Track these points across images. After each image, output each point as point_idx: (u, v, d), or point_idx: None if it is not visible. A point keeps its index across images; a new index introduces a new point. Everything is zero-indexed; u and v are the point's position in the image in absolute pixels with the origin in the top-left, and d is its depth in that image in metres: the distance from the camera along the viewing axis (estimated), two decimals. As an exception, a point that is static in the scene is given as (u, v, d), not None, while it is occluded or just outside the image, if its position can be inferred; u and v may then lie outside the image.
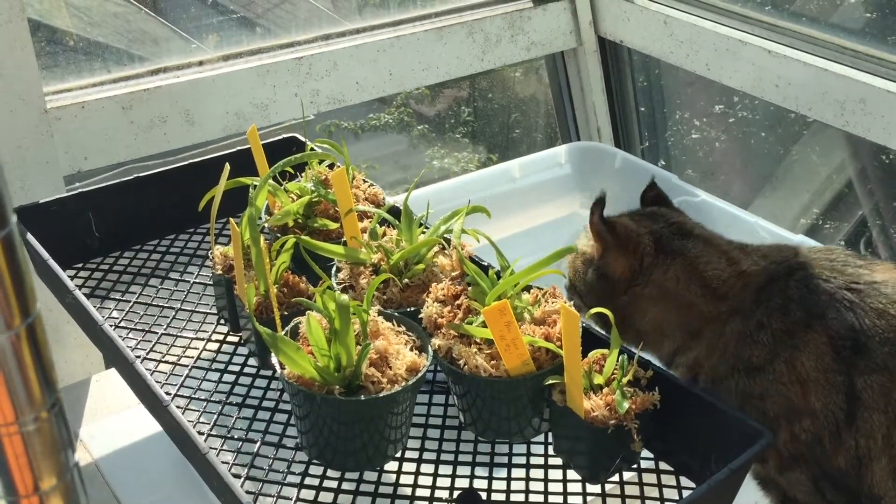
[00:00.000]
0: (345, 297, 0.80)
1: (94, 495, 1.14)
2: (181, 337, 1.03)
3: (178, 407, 0.85)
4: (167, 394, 0.86)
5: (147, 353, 0.99)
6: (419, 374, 0.81)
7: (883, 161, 2.00)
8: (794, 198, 2.30)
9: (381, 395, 0.78)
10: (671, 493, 0.82)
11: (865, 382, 0.80)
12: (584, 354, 0.82)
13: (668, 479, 0.83)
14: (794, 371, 0.82)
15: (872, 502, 0.82)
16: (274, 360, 0.81)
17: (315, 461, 0.85)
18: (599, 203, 0.96)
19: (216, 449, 0.84)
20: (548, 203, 1.61)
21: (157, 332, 1.03)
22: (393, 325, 0.87)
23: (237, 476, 0.82)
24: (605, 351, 0.83)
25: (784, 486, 0.88)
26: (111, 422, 1.23)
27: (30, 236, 1.03)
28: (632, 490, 0.82)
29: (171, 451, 1.17)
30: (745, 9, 1.62)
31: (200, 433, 0.84)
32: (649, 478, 0.84)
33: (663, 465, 0.85)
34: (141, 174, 1.19)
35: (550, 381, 0.80)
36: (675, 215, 0.99)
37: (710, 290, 0.90)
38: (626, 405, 0.78)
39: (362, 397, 0.78)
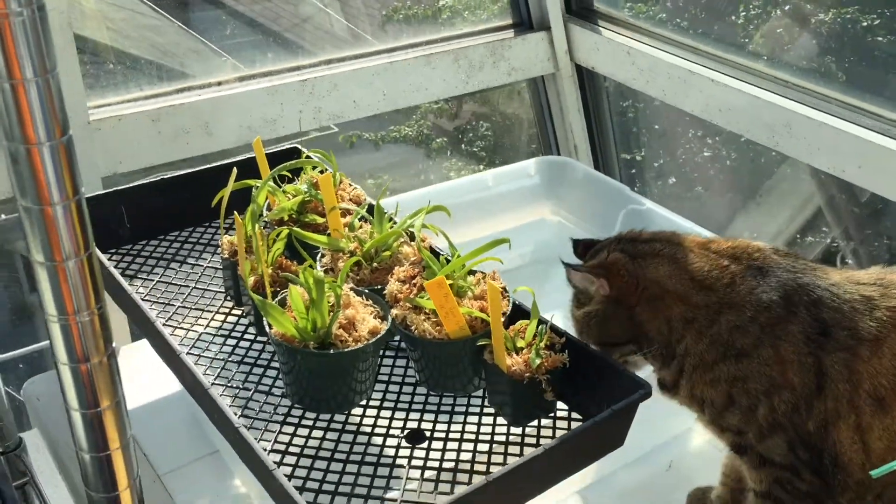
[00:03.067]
0: (321, 273, 0.99)
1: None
2: (194, 309, 1.22)
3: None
4: (181, 351, 1.05)
5: (166, 321, 1.18)
6: (378, 336, 0.99)
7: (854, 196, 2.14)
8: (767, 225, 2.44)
9: (345, 350, 0.97)
10: (578, 436, 0.99)
11: (832, 360, 0.97)
12: (514, 324, 1.01)
13: (578, 426, 1.01)
14: (777, 355, 0.98)
15: (831, 456, 0.98)
16: (265, 322, 1.00)
17: (296, 406, 1.04)
18: (582, 251, 1.18)
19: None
20: (519, 210, 1.78)
21: (174, 305, 1.22)
22: (362, 299, 1.05)
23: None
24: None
25: (761, 450, 1.02)
26: (134, 382, 1.43)
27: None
28: (546, 432, 1.00)
29: (183, 410, 1.37)
30: (694, 41, 1.80)
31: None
32: (562, 424, 1.01)
33: (575, 415, 1.02)
34: (165, 177, 1.39)
35: (481, 343, 0.99)
36: (614, 238, 1.14)
37: (698, 283, 1.04)
38: (538, 361, 0.96)
39: (331, 351, 0.96)
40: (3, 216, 1.93)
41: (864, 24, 1.67)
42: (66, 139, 0.48)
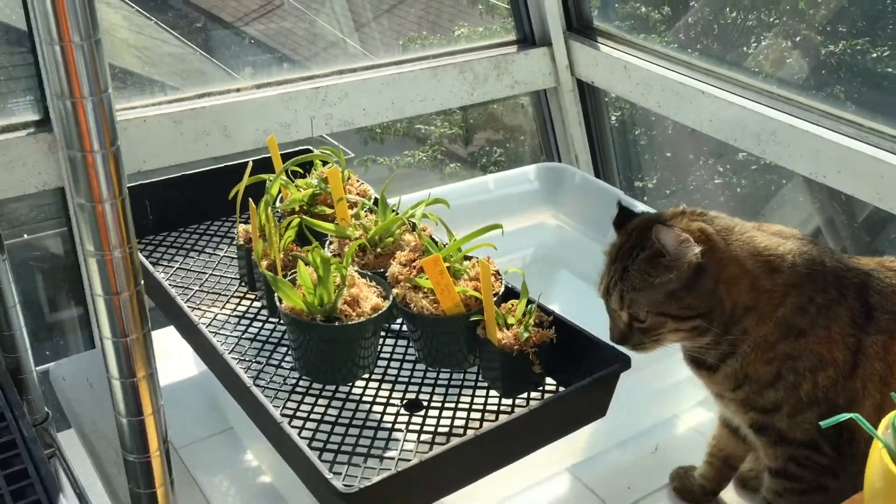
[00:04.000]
0: (327, 253, 1.06)
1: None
2: (211, 293, 1.30)
3: (205, 336, 1.11)
4: (198, 327, 1.12)
5: (185, 303, 1.25)
6: (379, 312, 1.06)
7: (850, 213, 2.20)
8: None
9: (349, 323, 1.04)
10: (564, 407, 1.06)
11: (871, 340, 1.01)
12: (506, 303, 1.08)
13: (562, 391, 1.07)
14: (828, 334, 1.02)
15: (850, 430, 1.01)
16: (276, 297, 1.07)
17: (304, 378, 1.11)
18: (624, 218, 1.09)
19: (232, 366, 1.10)
20: (519, 214, 1.85)
21: (192, 289, 1.30)
22: (366, 280, 1.13)
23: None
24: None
25: (784, 428, 1.05)
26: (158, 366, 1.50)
27: (101, 213, 1.32)
28: (535, 404, 1.06)
29: (200, 392, 1.44)
30: (685, 56, 1.87)
31: (221, 354, 1.09)
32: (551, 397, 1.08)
33: (562, 389, 1.09)
34: (185, 173, 1.47)
35: (475, 318, 1.06)
36: (679, 211, 1.08)
37: (768, 264, 1.02)
38: (526, 335, 1.03)
39: (336, 324, 1.04)
40: (26, 235, 2.01)
41: (842, 42, 1.75)
42: (115, 148, 0.57)
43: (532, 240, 1.88)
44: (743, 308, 1.02)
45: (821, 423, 0.76)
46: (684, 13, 2.20)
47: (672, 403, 1.42)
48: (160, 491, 0.78)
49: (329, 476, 0.82)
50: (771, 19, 1.92)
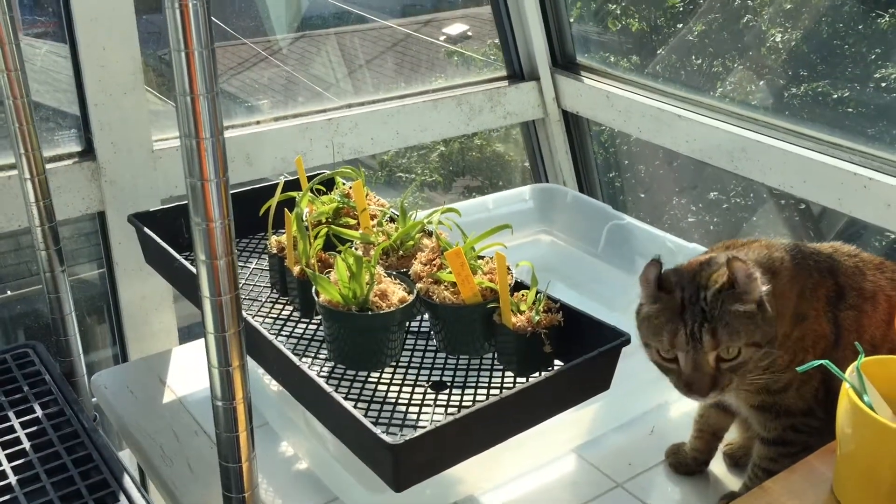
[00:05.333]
0: (359, 253, 1.18)
1: (180, 419, 1.50)
2: (247, 299, 1.41)
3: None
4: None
5: (224, 308, 1.36)
6: (406, 303, 1.18)
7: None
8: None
9: (380, 312, 1.15)
10: (572, 384, 1.17)
11: (845, 315, 1.13)
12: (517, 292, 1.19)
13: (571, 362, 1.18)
14: (818, 313, 1.13)
15: (834, 394, 1.08)
16: (313, 291, 1.18)
17: (339, 366, 1.21)
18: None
19: (273, 357, 1.20)
20: (516, 230, 1.95)
21: (230, 296, 1.41)
22: (392, 278, 1.24)
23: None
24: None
25: (790, 403, 1.13)
26: (187, 374, 1.60)
27: (146, 230, 1.43)
28: (549, 374, 1.17)
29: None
30: (661, 85, 2.03)
31: (264, 346, 1.20)
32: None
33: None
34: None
35: (491, 306, 1.17)
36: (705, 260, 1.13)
37: (769, 270, 1.09)
38: (537, 318, 1.14)
39: (369, 313, 1.15)
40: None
41: (804, 86, 1.91)
42: (222, 138, 0.70)
43: (528, 254, 1.99)
44: (775, 314, 1.09)
45: (797, 368, 0.88)
46: (650, 61, 2.36)
47: (663, 392, 1.53)
48: (245, 466, 0.89)
49: (378, 431, 0.92)
50: (735, 65, 2.07)
